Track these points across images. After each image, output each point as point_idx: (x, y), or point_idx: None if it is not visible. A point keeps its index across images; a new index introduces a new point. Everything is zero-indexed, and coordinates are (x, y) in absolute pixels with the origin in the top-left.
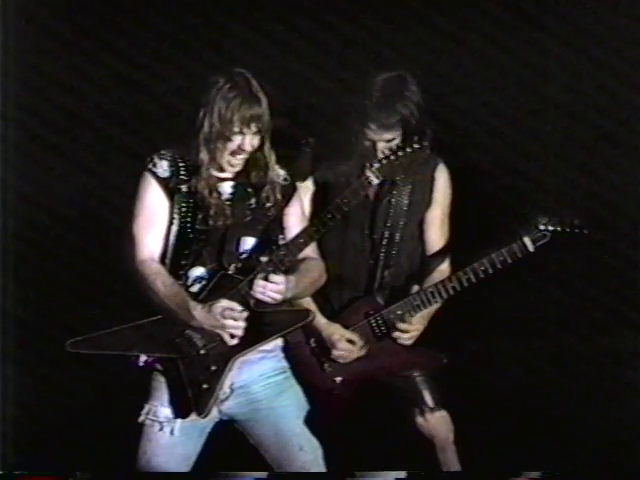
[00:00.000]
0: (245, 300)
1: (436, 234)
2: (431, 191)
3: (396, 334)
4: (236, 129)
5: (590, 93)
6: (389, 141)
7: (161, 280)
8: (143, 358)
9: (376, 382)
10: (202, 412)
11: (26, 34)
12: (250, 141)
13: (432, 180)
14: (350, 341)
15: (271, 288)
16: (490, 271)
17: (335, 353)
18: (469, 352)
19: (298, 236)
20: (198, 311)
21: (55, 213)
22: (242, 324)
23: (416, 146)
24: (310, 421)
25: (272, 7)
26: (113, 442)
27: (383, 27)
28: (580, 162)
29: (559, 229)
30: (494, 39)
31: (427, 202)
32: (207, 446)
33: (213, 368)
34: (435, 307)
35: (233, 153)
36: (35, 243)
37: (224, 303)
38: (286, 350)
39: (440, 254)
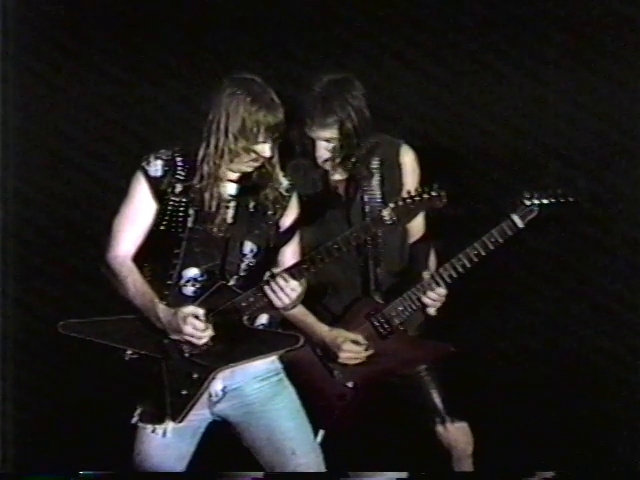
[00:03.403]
0: (239, 315)
1: (415, 220)
2: (400, 177)
3: (427, 300)
4: (261, 139)
5: (578, 68)
6: (327, 140)
7: (132, 278)
8: (129, 352)
9: (387, 382)
10: (176, 418)
11: (25, 38)
12: (270, 147)
13: (399, 165)
14: (355, 342)
15: (288, 291)
16: (483, 254)
17: (342, 356)
18: (478, 350)
19: (303, 262)
20: (164, 313)
21: (54, 209)
22: (201, 334)
23: (434, 194)
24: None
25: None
26: (114, 442)
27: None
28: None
29: (545, 201)
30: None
31: (398, 189)
32: (202, 445)
33: (195, 376)
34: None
35: (253, 160)
36: (34, 242)
37: (190, 309)
38: None
39: (423, 239)
